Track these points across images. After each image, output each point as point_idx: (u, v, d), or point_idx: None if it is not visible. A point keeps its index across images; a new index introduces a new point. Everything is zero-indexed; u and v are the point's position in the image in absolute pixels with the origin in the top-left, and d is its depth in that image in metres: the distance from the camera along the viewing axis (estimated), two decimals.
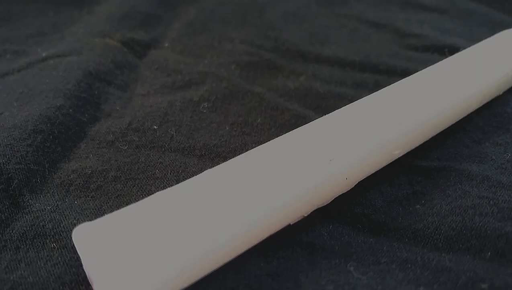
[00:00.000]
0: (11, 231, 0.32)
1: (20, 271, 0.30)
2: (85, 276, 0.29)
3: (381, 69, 0.55)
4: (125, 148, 0.41)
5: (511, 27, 0.56)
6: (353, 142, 0.34)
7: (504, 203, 0.35)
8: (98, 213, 0.34)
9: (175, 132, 0.43)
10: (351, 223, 0.35)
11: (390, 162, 0.38)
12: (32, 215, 0.34)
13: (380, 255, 0.32)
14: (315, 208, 0.33)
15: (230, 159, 0.32)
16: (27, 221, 0.33)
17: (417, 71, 0.43)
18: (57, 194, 0.36)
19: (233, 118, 0.45)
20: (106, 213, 0.29)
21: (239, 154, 0.32)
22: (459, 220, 0.34)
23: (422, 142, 0.40)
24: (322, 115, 0.37)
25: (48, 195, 0.36)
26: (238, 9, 0.71)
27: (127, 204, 0.29)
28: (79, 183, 0.37)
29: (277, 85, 0.51)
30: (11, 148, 0.37)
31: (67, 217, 0.34)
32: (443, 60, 0.45)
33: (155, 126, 0.43)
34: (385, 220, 0.35)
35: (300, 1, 0.74)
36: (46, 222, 0.33)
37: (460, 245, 0.33)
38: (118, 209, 0.28)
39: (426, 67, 0.44)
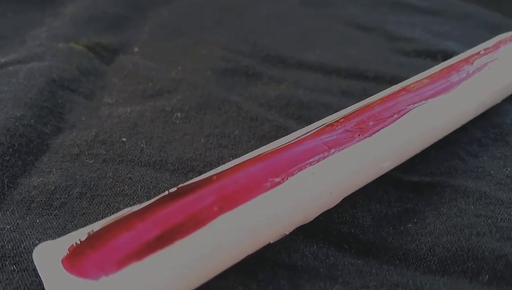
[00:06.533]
0: None
1: None
2: None
3: (369, 76, 0.55)
4: (91, 161, 0.41)
5: (510, 30, 0.56)
6: (337, 153, 0.34)
7: (503, 221, 0.35)
8: (62, 232, 0.34)
9: (146, 145, 0.43)
10: (337, 243, 0.35)
11: (378, 176, 0.38)
12: None
13: (368, 278, 0.32)
14: (297, 226, 0.33)
15: (205, 173, 0.32)
16: None
17: (408, 78, 0.43)
18: (17, 212, 0.36)
19: (208, 129, 0.45)
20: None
21: (215, 168, 0.32)
22: (454, 240, 0.33)
23: (413, 155, 0.40)
24: (305, 126, 0.37)
25: (8, 213, 0.36)
26: (214, 10, 0.71)
27: (93, 223, 0.29)
28: (41, 200, 0.37)
29: (256, 94, 0.51)
30: None
31: (28, 237, 0.34)
32: (436, 66, 0.45)
33: (124, 139, 0.43)
34: (374, 240, 0.35)
35: (283, 1, 0.75)
36: (5, 243, 0.33)
37: (456, 268, 0.32)
38: (83, 227, 0.29)
39: (417, 74, 0.44)
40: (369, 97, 0.40)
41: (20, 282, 0.31)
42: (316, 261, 0.33)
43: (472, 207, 0.37)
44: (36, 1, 0.70)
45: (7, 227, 0.34)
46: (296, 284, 0.32)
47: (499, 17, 0.73)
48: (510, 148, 0.43)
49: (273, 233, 0.32)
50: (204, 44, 0.62)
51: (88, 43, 0.58)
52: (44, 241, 0.31)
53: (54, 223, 0.35)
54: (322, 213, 0.35)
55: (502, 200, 0.37)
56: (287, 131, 0.43)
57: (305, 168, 0.32)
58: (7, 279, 0.31)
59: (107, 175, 0.40)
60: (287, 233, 0.33)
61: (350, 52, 0.61)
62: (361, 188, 0.37)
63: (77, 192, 0.38)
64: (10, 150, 0.40)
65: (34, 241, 0.33)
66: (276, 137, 0.41)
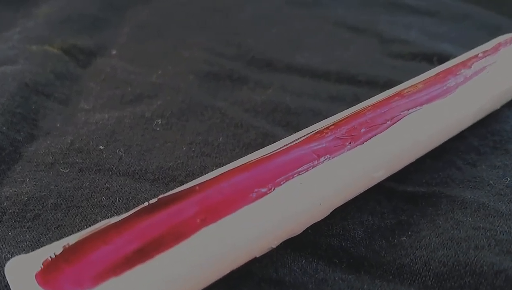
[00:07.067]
0: None
1: None
2: None
3: (360, 81, 0.55)
4: (67, 171, 0.41)
5: (510, 31, 0.56)
6: (327, 162, 0.34)
7: (503, 234, 0.35)
8: (35, 245, 0.34)
9: (124, 153, 0.43)
10: (327, 257, 0.35)
11: (371, 186, 0.38)
12: None
13: None
14: (284, 239, 0.33)
15: (187, 183, 0.32)
16: None
17: (402, 82, 0.43)
18: None
19: (191, 137, 0.45)
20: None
21: (197, 178, 0.32)
22: (451, 254, 0.33)
23: (407, 164, 0.40)
24: (293, 133, 0.37)
25: None
26: (197, 11, 0.71)
27: (68, 235, 0.29)
28: (13, 211, 0.37)
29: (242, 99, 0.51)
30: None
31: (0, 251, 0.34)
32: (432, 70, 0.45)
33: (101, 147, 0.43)
34: (366, 254, 0.35)
35: (269, 1, 0.75)
36: None
37: (452, 283, 0.32)
38: (58, 240, 0.28)
39: (412, 78, 0.44)
40: (361, 103, 0.40)
41: None
42: (304, 277, 0.33)
43: (470, 219, 0.37)
44: (8, 1, 0.69)
45: None
46: None
47: (498, 18, 0.73)
48: (510, 157, 0.43)
49: (259, 246, 0.32)
50: (186, 46, 0.62)
51: (63, 46, 0.57)
52: (16, 254, 0.31)
53: (28, 236, 0.35)
54: (311, 226, 0.34)
55: (501, 212, 0.37)
56: (274, 139, 0.43)
57: (293, 177, 0.32)
58: None
59: (84, 185, 0.39)
60: (274, 246, 0.33)
61: (340, 55, 0.61)
62: (353, 199, 0.37)
63: (51, 203, 0.38)
64: None
65: (6, 255, 0.33)
66: (263, 145, 0.41)
